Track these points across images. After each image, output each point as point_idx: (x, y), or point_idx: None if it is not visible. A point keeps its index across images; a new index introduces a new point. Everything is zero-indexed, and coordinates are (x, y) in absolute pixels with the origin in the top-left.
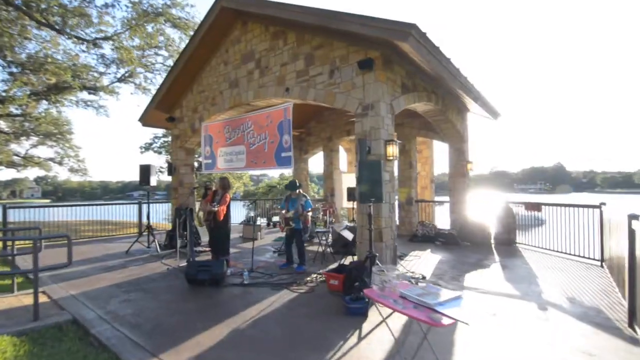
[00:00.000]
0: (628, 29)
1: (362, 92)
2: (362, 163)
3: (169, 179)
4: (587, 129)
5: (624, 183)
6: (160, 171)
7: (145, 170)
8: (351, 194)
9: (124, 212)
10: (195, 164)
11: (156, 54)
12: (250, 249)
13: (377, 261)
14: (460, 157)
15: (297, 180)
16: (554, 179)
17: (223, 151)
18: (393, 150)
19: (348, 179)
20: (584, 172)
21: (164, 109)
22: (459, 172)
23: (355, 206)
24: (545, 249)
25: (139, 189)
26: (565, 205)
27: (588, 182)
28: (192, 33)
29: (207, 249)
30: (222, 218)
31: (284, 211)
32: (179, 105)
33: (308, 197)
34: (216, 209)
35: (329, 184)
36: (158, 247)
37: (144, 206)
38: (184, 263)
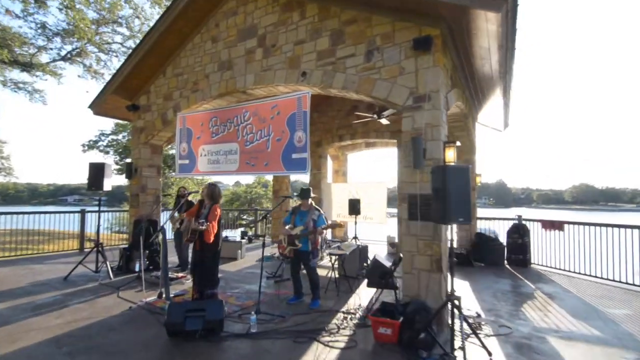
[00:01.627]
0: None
1: (414, 79)
2: (442, 170)
3: (116, 181)
4: (525, 149)
5: (555, 199)
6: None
7: (98, 170)
8: (354, 207)
9: (59, 222)
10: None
11: (114, 31)
12: (233, 272)
13: (456, 302)
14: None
15: (310, 189)
16: (497, 194)
17: (207, 149)
18: (453, 154)
19: (338, 190)
20: (521, 189)
21: (125, 94)
22: None
23: (350, 220)
24: (566, 270)
25: (75, 193)
26: (590, 225)
27: (525, 198)
28: (167, 2)
29: (179, 274)
30: (212, 239)
31: (288, 227)
32: (146, 91)
33: (322, 211)
34: (205, 227)
35: (316, 195)
36: (110, 271)
37: (90, 216)
38: (152, 297)
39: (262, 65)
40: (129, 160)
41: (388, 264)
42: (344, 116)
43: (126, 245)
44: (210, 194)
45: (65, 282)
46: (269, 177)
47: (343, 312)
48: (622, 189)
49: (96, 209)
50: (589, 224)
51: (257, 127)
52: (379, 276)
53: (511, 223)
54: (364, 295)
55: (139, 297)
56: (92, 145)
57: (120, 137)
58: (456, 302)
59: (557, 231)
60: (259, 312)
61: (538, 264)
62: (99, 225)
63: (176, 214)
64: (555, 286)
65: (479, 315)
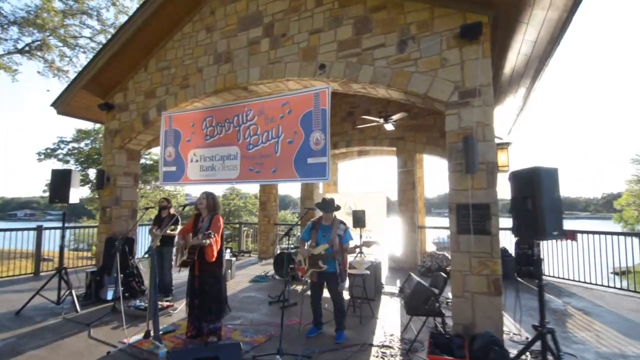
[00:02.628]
0: None
1: (459, 72)
2: (531, 174)
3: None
4: None
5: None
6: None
7: (62, 179)
8: (359, 220)
9: (8, 240)
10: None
11: (82, 24)
12: (227, 296)
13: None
14: None
15: (334, 199)
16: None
17: (199, 154)
18: (506, 158)
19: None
20: None
21: (96, 91)
22: None
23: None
24: (576, 280)
25: (26, 207)
26: (601, 233)
27: None
28: None
29: (164, 303)
30: (215, 258)
31: (307, 244)
32: (123, 87)
33: (347, 225)
34: (208, 242)
35: (308, 206)
36: (77, 302)
37: (49, 233)
38: (136, 336)
39: (269, 58)
40: (97, 167)
41: (425, 286)
42: (339, 122)
43: (94, 269)
44: (211, 205)
45: (18, 318)
46: (247, 188)
47: (378, 346)
48: (576, 198)
49: (54, 225)
50: (600, 233)
51: (262, 127)
52: (423, 301)
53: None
54: (388, 321)
55: (117, 336)
56: (49, 154)
57: (82, 144)
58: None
59: (569, 241)
60: (282, 353)
61: (548, 276)
62: (62, 246)
63: (156, 231)
64: (581, 300)
65: (529, 340)
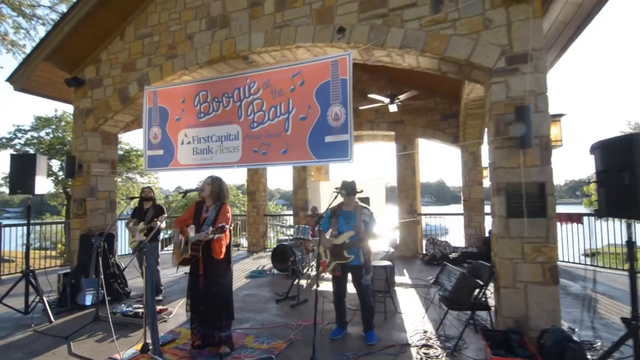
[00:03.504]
0: None
1: (505, 35)
2: (627, 142)
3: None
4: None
5: (486, 196)
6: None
7: (25, 165)
8: None
9: None
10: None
11: None
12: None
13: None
14: (475, 162)
15: (354, 182)
16: (437, 193)
17: (191, 135)
18: (558, 132)
19: (330, 190)
20: (458, 187)
21: (63, 64)
22: (475, 179)
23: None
24: (576, 263)
25: None
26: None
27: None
28: None
29: (159, 307)
30: (223, 254)
31: (328, 234)
32: (95, 59)
33: (372, 210)
34: (220, 235)
35: (301, 196)
36: (49, 310)
37: (11, 231)
38: (129, 350)
39: (275, 21)
40: (65, 155)
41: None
42: None
43: (67, 270)
44: (217, 192)
45: None
46: (230, 178)
47: (417, 346)
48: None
49: (12, 222)
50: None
51: (269, 102)
52: (468, 294)
53: None
54: (413, 315)
55: (106, 351)
56: (4, 144)
57: (42, 133)
58: None
59: (574, 224)
60: None
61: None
62: (28, 245)
63: (136, 224)
64: (598, 284)
65: (573, 331)
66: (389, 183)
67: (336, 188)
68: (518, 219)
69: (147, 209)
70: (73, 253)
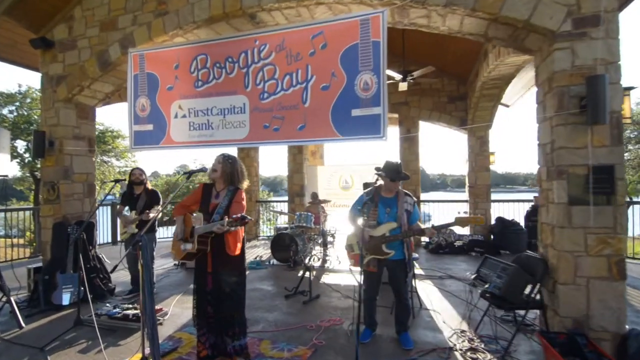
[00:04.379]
0: None
1: None
2: None
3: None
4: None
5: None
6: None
7: None
8: None
9: None
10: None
11: None
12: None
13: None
14: (483, 147)
15: (400, 163)
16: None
17: (187, 107)
18: (628, 107)
19: (327, 175)
20: (438, 175)
21: (27, 21)
22: (481, 165)
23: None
24: None
25: None
26: None
27: (441, 183)
28: None
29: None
30: (238, 250)
31: (362, 222)
32: (67, 17)
33: (414, 198)
34: (233, 228)
35: (297, 181)
36: (19, 313)
37: None
38: None
39: None
40: (34, 130)
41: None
42: None
43: (39, 264)
44: (229, 173)
45: None
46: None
47: (461, 350)
48: (516, 173)
49: None
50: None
51: (283, 68)
52: (520, 292)
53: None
54: (442, 312)
55: None
56: None
57: (5, 111)
58: None
59: None
60: None
61: None
62: None
63: (127, 212)
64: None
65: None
66: None
67: (377, 169)
68: (582, 207)
69: (138, 195)
70: (45, 244)
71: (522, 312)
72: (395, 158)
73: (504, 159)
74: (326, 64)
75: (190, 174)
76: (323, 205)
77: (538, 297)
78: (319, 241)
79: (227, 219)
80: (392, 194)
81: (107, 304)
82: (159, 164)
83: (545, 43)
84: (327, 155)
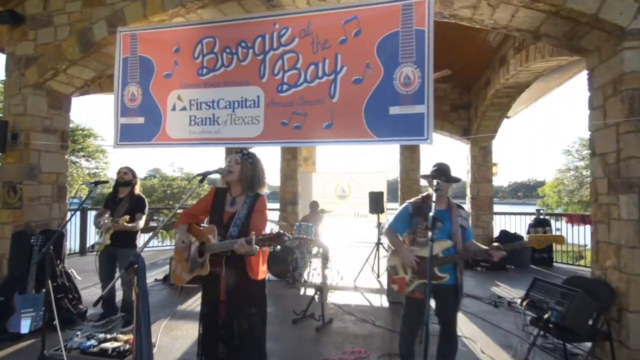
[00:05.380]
0: None
1: None
2: None
3: None
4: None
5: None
6: None
7: None
8: (377, 204)
9: None
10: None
11: None
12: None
13: None
14: (486, 157)
15: (449, 166)
16: (394, 191)
17: (187, 98)
18: None
19: (322, 182)
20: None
21: None
22: (484, 176)
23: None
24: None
25: None
26: None
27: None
28: None
29: (129, 338)
30: (263, 274)
31: (405, 239)
32: None
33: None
34: (254, 249)
35: (290, 189)
36: None
37: None
38: None
39: None
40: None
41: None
42: None
43: None
44: (250, 176)
45: None
46: (195, 165)
47: None
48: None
49: None
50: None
51: (307, 57)
52: (586, 319)
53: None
54: (478, 339)
55: None
56: None
57: None
58: None
59: (586, 226)
60: None
61: (559, 262)
62: None
63: (106, 220)
64: None
65: None
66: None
67: (433, 171)
68: None
69: (120, 199)
70: (1, 258)
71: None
72: (395, 167)
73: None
74: (360, 53)
75: (205, 175)
76: (322, 215)
77: (609, 326)
78: (320, 255)
79: (254, 236)
80: (444, 205)
81: (79, 333)
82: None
83: (609, 42)
84: (319, 162)
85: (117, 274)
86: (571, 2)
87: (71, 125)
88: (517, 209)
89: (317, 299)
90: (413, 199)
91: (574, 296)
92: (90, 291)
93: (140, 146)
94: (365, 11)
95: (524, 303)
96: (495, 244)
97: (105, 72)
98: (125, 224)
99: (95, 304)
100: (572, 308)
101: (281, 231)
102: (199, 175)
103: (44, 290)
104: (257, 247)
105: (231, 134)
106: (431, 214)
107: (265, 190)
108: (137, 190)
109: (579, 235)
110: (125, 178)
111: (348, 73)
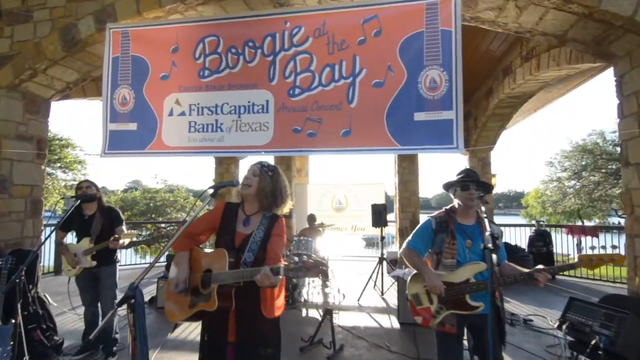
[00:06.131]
0: None
1: None
2: None
3: None
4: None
5: (425, 205)
6: None
7: None
8: (380, 216)
9: None
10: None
11: None
12: None
13: None
14: (485, 168)
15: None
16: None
17: (187, 102)
18: None
19: (318, 194)
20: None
21: None
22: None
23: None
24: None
25: None
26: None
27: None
28: None
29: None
30: (279, 310)
31: (428, 261)
32: None
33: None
34: (279, 278)
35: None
36: None
37: None
38: None
39: None
40: None
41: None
42: None
43: None
44: (270, 191)
45: None
46: (177, 177)
47: None
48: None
49: None
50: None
51: (322, 58)
52: (638, 345)
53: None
54: None
55: None
56: None
57: None
58: None
59: (586, 237)
60: None
61: (563, 275)
62: None
63: (83, 250)
64: None
65: None
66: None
67: (464, 179)
68: None
69: (91, 216)
70: None
71: None
72: (390, 178)
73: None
74: (380, 55)
75: (217, 188)
76: (320, 229)
77: None
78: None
79: (283, 265)
80: (473, 220)
81: None
82: (107, 178)
83: None
84: (312, 173)
85: (114, 305)
86: (606, 3)
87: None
88: (503, 219)
89: (332, 324)
90: (436, 213)
91: (623, 319)
92: (66, 317)
93: (132, 155)
94: (386, 10)
95: (563, 327)
96: (540, 266)
97: (91, 74)
98: (123, 240)
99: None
100: (622, 332)
101: (321, 259)
102: (210, 188)
103: (12, 321)
104: (291, 277)
105: (236, 142)
106: (487, 232)
107: (285, 211)
108: (105, 202)
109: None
110: (90, 192)
111: (368, 76)
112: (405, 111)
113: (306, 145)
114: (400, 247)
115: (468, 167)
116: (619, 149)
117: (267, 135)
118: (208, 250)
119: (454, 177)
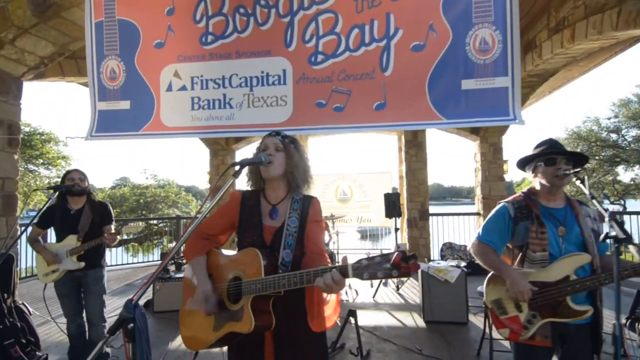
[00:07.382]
0: None
1: None
2: None
3: None
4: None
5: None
6: None
7: None
8: (394, 206)
9: None
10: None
11: None
12: None
13: None
14: (496, 155)
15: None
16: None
17: (188, 73)
18: None
19: (321, 184)
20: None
21: None
22: (495, 174)
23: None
24: None
25: None
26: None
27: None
28: None
29: None
30: (332, 321)
31: (508, 257)
32: None
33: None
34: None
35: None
36: None
37: None
38: None
39: None
40: None
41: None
42: None
43: None
44: (297, 166)
45: None
46: (171, 172)
47: None
48: (461, 187)
49: None
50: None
51: (349, 18)
52: None
53: None
54: None
55: None
56: None
57: None
58: None
59: None
60: None
61: None
62: None
63: (70, 247)
64: None
65: None
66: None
67: (547, 149)
68: None
69: (77, 210)
70: None
71: None
72: (394, 167)
73: (448, 174)
74: (419, 12)
75: (243, 165)
76: (330, 221)
77: None
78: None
79: (352, 262)
80: (561, 201)
81: None
82: (94, 175)
83: None
84: (313, 164)
85: (103, 316)
86: None
87: (27, 129)
88: (464, 209)
89: (338, 323)
90: (511, 197)
91: None
92: (51, 328)
93: (126, 137)
94: None
95: (637, 325)
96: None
97: (68, 47)
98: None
99: None
100: None
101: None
102: (234, 165)
103: None
104: (371, 279)
105: (249, 120)
106: (606, 214)
107: (310, 192)
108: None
109: None
110: (82, 185)
111: (405, 38)
112: (451, 79)
113: (332, 122)
114: (406, 240)
115: (480, 153)
116: (613, 135)
117: (286, 111)
118: (227, 251)
119: (531, 151)
